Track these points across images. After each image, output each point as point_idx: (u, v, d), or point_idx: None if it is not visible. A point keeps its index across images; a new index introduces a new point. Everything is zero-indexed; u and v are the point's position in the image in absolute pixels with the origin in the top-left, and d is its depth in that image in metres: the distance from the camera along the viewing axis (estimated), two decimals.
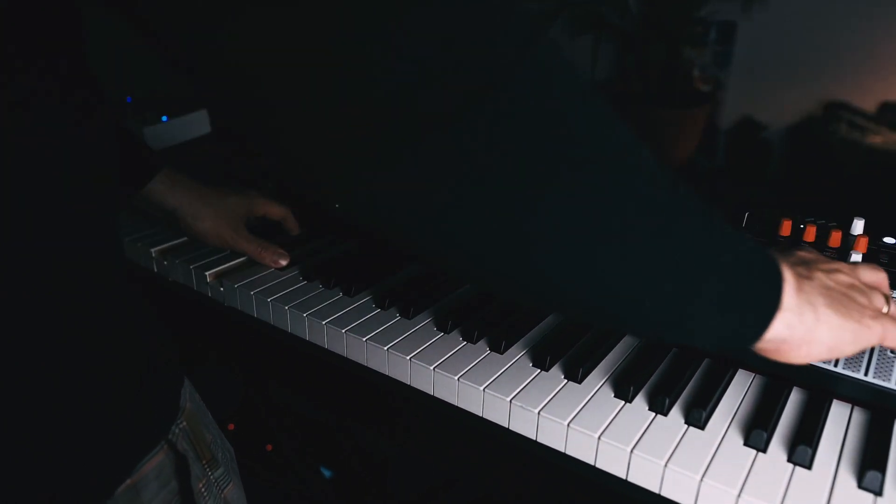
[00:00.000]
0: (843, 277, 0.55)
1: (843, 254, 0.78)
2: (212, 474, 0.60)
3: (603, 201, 0.38)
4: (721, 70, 1.02)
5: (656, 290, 0.41)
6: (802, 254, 0.57)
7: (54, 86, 0.42)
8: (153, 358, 0.56)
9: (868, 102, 0.89)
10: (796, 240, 0.82)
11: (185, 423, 0.58)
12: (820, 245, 0.81)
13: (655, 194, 0.40)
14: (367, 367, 0.76)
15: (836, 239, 0.80)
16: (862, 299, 0.54)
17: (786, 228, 0.83)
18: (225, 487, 0.62)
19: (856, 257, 0.75)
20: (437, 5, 0.32)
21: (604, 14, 1.14)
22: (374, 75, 0.32)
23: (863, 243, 0.77)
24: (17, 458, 0.46)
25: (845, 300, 0.53)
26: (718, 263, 0.43)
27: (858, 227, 0.82)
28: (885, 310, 0.56)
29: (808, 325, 0.49)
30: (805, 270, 0.53)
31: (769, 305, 0.47)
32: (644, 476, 0.59)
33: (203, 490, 0.59)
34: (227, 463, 0.64)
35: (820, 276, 0.53)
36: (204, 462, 0.60)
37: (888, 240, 0.81)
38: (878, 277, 0.60)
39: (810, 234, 0.81)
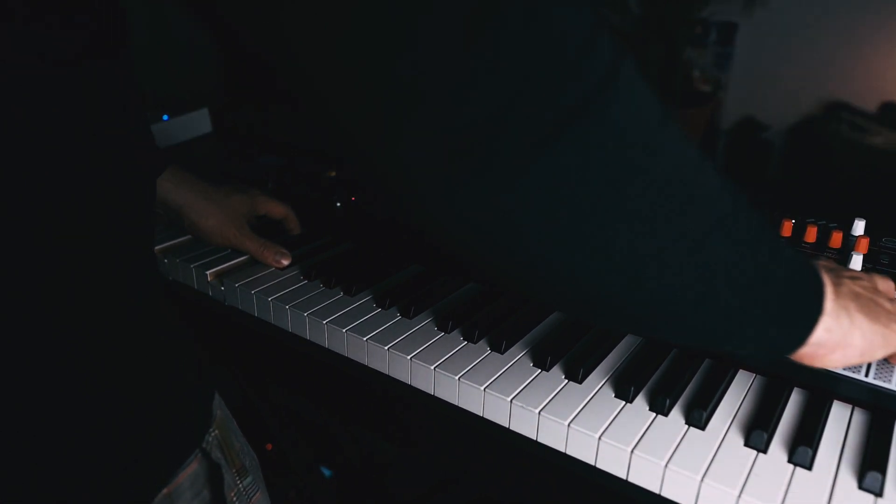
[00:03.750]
0: (867, 284, 0.55)
1: (844, 254, 0.78)
2: (241, 483, 0.61)
3: (689, 224, 0.38)
4: (721, 71, 1.02)
5: (724, 304, 0.42)
6: (823, 262, 0.57)
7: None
8: (188, 366, 0.57)
9: (869, 103, 0.89)
10: (797, 240, 0.82)
11: (217, 432, 0.59)
12: (821, 246, 0.81)
13: (727, 213, 0.40)
14: (367, 367, 0.76)
15: (836, 240, 0.80)
16: (888, 305, 0.55)
17: (787, 229, 0.83)
18: (253, 496, 0.63)
19: (857, 258, 0.75)
20: (522, 24, 0.31)
21: (604, 15, 1.13)
22: (466, 95, 0.31)
23: (864, 244, 0.77)
24: (58, 466, 0.47)
25: (873, 305, 0.53)
26: (774, 276, 0.43)
27: (859, 227, 0.82)
28: None
29: (845, 330, 0.49)
30: (834, 277, 0.52)
31: (814, 312, 0.48)
32: (644, 476, 0.59)
33: (235, 499, 0.59)
34: (254, 471, 0.65)
35: (847, 282, 0.53)
36: (234, 470, 0.60)
37: (889, 240, 0.81)
38: (889, 286, 0.61)
39: (811, 234, 0.81)
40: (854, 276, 0.56)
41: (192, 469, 0.55)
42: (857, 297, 0.52)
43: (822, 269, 0.50)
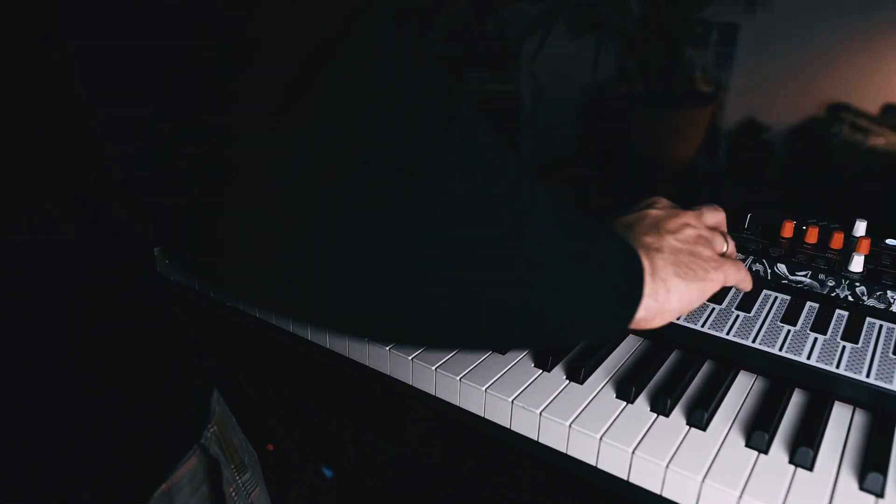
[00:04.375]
0: (689, 232, 0.58)
1: (844, 255, 0.78)
2: (240, 479, 0.61)
3: (512, 245, 0.39)
4: (723, 71, 1.02)
5: (555, 324, 0.44)
6: (653, 212, 0.60)
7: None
8: (187, 364, 0.57)
9: (870, 104, 0.89)
10: (798, 241, 0.82)
11: (216, 428, 0.59)
12: (822, 246, 0.80)
13: (552, 231, 0.42)
14: (368, 368, 0.76)
15: (838, 240, 0.80)
16: (706, 251, 0.57)
17: (787, 230, 0.83)
18: (252, 491, 0.63)
19: (858, 259, 0.75)
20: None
21: (605, 15, 1.14)
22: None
23: (865, 245, 0.77)
24: (57, 466, 0.47)
25: (691, 260, 0.56)
26: (601, 285, 0.46)
27: (861, 228, 0.82)
28: (724, 249, 0.60)
29: (661, 302, 0.52)
30: (656, 239, 0.56)
31: (635, 300, 0.51)
32: (645, 477, 0.59)
33: (234, 494, 0.59)
34: (252, 467, 0.65)
35: (669, 239, 0.56)
36: (233, 466, 0.60)
37: (891, 241, 0.81)
38: (719, 217, 0.63)
39: (812, 235, 0.81)
40: (679, 227, 0.58)
41: (190, 465, 0.55)
42: (675, 257, 0.55)
43: (640, 241, 0.54)
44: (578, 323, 0.46)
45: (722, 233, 0.61)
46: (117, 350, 0.49)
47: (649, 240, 0.55)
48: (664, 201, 0.63)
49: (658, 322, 0.54)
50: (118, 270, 0.48)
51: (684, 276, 0.54)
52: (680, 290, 0.54)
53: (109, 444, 0.49)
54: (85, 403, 0.47)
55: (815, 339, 0.68)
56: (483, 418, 0.68)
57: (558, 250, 0.42)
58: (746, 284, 0.62)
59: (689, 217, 0.60)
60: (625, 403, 0.65)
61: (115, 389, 0.49)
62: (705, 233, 0.59)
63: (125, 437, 0.50)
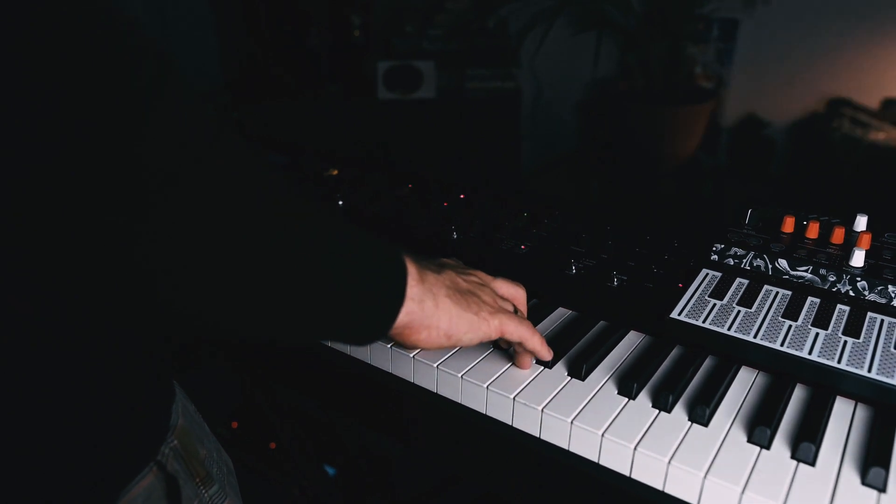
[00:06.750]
0: (473, 279, 0.61)
1: (846, 250, 0.78)
2: (206, 492, 0.59)
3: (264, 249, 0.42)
4: (723, 67, 1.02)
5: (306, 304, 0.46)
6: (447, 260, 0.63)
7: None
8: (142, 375, 0.55)
9: (871, 99, 0.89)
10: (799, 236, 0.82)
11: (176, 442, 0.57)
12: (823, 241, 0.80)
13: (298, 229, 0.45)
14: (370, 365, 0.76)
15: (838, 235, 0.80)
16: (486, 297, 0.60)
17: (788, 225, 0.83)
18: None
19: (859, 253, 0.75)
20: None
21: (606, 11, 1.14)
22: None
23: (866, 240, 0.77)
24: None
25: (469, 295, 0.58)
26: (359, 280, 0.49)
27: (861, 223, 0.82)
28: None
29: (428, 313, 0.54)
30: (436, 267, 0.59)
31: (397, 299, 0.52)
32: (648, 473, 0.59)
33: None
34: (223, 478, 0.62)
35: (450, 273, 0.59)
36: (197, 480, 0.58)
37: (891, 236, 0.81)
38: (513, 292, 0.66)
39: (813, 230, 0.81)
40: (467, 272, 0.62)
41: (146, 482, 0.53)
42: (452, 284, 0.58)
43: (415, 260, 0.56)
44: (338, 305, 0.48)
45: (514, 307, 0.65)
46: (62, 363, 0.46)
47: (429, 265, 0.58)
48: (458, 260, 0.66)
49: (425, 337, 0.55)
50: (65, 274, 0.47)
51: (456, 302, 0.57)
52: (450, 312, 0.56)
53: (53, 464, 0.47)
54: (23, 420, 0.45)
55: (817, 334, 0.68)
56: (485, 415, 0.68)
57: (326, 233, 0.46)
58: (533, 344, 0.64)
59: (477, 272, 0.64)
60: (627, 400, 0.65)
61: (59, 406, 0.47)
62: (492, 288, 0.63)
63: (70, 456, 0.48)
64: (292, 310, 0.45)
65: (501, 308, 0.61)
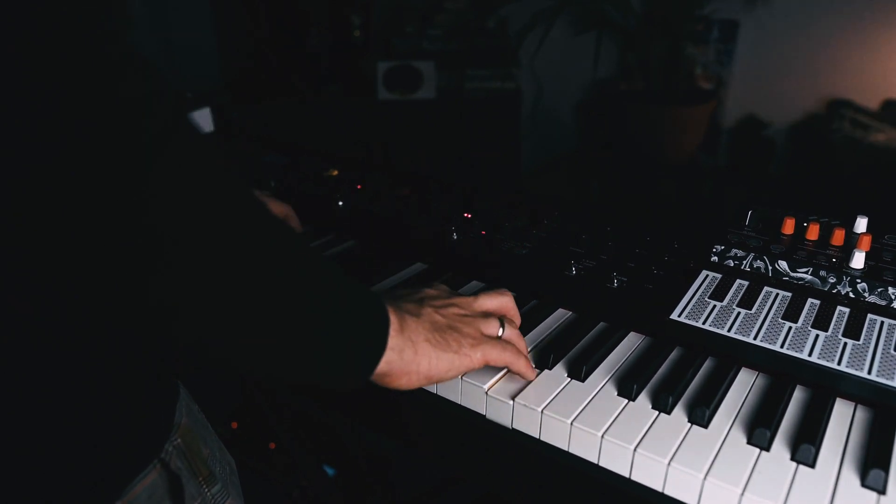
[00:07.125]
0: (454, 311, 0.62)
1: (846, 252, 0.78)
2: (208, 491, 0.60)
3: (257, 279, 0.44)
4: (723, 68, 1.02)
5: (290, 340, 0.47)
6: (427, 290, 0.64)
7: None
8: (144, 374, 0.55)
9: (871, 100, 0.89)
10: (799, 238, 0.82)
11: (179, 440, 0.57)
12: (823, 243, 0.80)
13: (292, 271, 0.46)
14: None
15: (839, 237, 0.80)
16: (467, 329, 0.61)
17: (789, 226, 0.83)
18: (223, 502, 0.62)
19: (859, 255, 0.74)
20: None
21: (606, 12, 1.14)
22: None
23: (866, 241, 0.77)
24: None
25: (449, 332, 0.60)
26: (343, 330, 0.50)
27: (861, 225, 0.82)
28: (498, 333, 0.64)
29: (407, 360, 0.56)
30: (416, 307, 0.60)
31: (377, 350, 0.54)
32: (647, 474, 0.59)
33: None
34: (225, 477, 0.63)
35: (429, 310, 0.60)
36: (200, 479, 0.59)
37: (891, 237, 0.81)
38: (499, 302, 0.67)
39: (813, 232, 0.81)
40: (446, 304, 0.63)
41: (149, 480, 0.53)
42: (431, 326, 0.59)
43: (397, 305, 0.58)
44: (319, 352, 0.49)
45: (500, 318, 0.65)
46: (65, 362, 0.47)
47: (409, 306, 0.59)
48: (443, 287, 0.67)
49: (405, 381, 0.57)
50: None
51: (436, 345, 0.58)
52: (429, 356, 0.57)
53: (56, 461, 0.47)
54: (26, 418, 0.45)
55: (817, 335, 0.68)
56: (485, 417, 0.68)
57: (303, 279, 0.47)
58: (518, 367, 0.65)
59: (459, 300, 0.64)
60: (626, 401, 0.65)
61: (63, 405, 0.47)
62: (473, 316, 0.64)
63: (73, 453, 0.48)
64: (270, 350, 0.47)
65: (483, 338, 0.62)
